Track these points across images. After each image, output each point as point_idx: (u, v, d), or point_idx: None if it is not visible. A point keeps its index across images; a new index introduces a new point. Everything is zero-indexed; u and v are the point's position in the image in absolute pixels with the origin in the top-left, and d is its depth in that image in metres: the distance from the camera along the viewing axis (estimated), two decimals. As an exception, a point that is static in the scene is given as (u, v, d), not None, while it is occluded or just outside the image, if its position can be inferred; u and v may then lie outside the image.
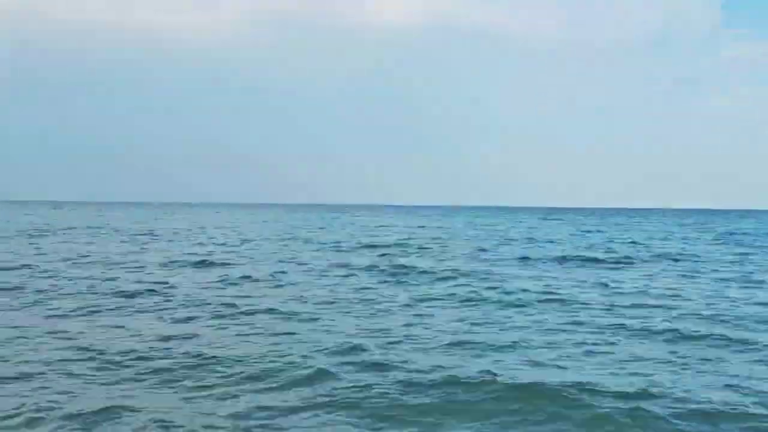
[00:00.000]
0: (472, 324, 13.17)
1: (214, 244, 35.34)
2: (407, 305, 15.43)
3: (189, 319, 13.46)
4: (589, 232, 57.97)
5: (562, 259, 28.05)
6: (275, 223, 70.37)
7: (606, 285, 19.73)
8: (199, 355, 10.15)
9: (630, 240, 43.84)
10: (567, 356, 10.60)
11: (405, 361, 9.97)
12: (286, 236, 43.42)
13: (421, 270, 22.57)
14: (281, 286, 18.49)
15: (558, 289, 18.56)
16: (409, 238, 41.86)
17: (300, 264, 24.57)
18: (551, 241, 41.97)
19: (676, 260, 28.95)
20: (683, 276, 22.88)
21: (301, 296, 16.53)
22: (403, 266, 23.43)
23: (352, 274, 21.70)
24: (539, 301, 16.07)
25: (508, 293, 17.51)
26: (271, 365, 9.62)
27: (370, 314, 14.15)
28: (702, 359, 10.57)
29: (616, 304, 15.99)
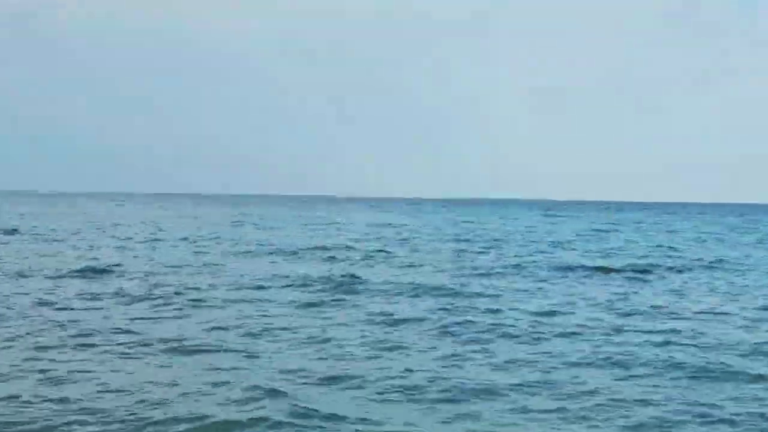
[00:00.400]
0: (441, 359, 12.86)
1: (112, 246, 34.62)
2: (355, 333, 15.04)
3: (62, 349, 12.81)
4: (602, 231, 58.25)
5: (567, 269, 28.00)
6: (206, 218, 69.83)
7: (622, 303, 19.65)
8: (64, 401, 9.70)
9: (656, 244, 44.01)
10: (563, 404, 10.29)
11: (344, 411, 9.58)
12: (212, 236, 42.95)
13: (379, 283, 22.26)
14: (189, 305, 18.02)
15: (559, 309, 18.40)
16: (370, 240, 41.59)
17: (216, 275, 24.17)
18: (554, 244, 41.96)
19: (712, 269, 29.01)
20: (720, 291, 22.87)
21: (213, 320, 16.06)
22: (356, 277, 23.11)
23: (288, 287, 21.35)
24: (533, 328, 15.82)
25: (492, 313, 17.30)
26: (161, 418, 9.17)
27: (304, 346, 13.73)
28: (744, 407, 10.29)
29: (632, 329, 15.85)
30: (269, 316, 16.60)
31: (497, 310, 17.78)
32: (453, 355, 13.09)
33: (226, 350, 13.03)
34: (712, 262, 31.71)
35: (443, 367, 12.23)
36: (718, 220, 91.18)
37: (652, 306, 19.14)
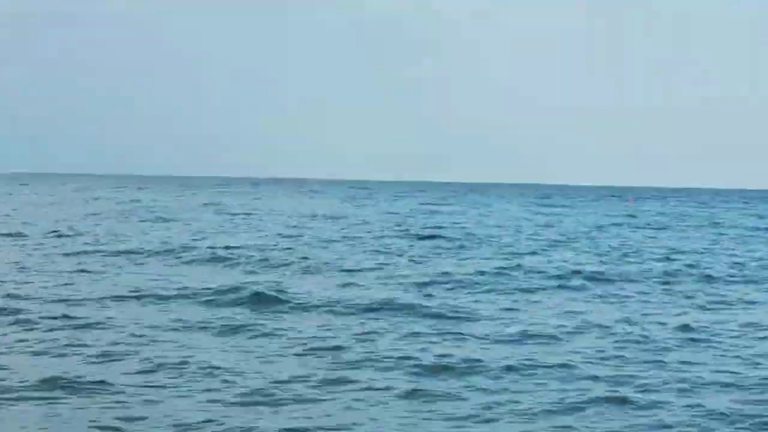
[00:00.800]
0: (392, 403, 12.75)
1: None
2: (281, 366, 14.87)
3: None
4: (613, 225, 58.46)
5: (563, 276, 27.98)
6: (92, 206, 69.23)
7: (635, 326, 19.47)
8: None
9: (684, 242, 44.28)
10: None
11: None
12: (88, 230, 42.54)
13: (309, 297, 21.97)
14: (57, 326, 17.76)
15: (549, 332, 18.29)
16: (299, 236, 41.49)
17: (92, 285, 23.83)
18: (550, 242, 42.11)
19: (757, 281, 28.93)
20: None
21: (92, 347, 15.84)
22: (279, 290, 22.72)
23: (189, 301, 21.21)
24: (511, 360, 15.63)
25: (458, 341, 17.21)
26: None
27: (217, 386, 13.52)
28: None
29: (647, 361, 15.77)
30: (164, 344, 16.45)
31: (465, 337, 17.73)
32: (407, 394, 13.11)
33: (109, 392, 12.86)
34: (757, 268, 31.86)
35: (396, 416, 12.16)
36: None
37: (674, 330, 19.05)
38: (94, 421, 11.45)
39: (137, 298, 21.67)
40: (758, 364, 15.87)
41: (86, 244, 35.33)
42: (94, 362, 14.78)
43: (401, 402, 12.76)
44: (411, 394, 13.15)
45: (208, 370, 14.40)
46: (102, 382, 13.25)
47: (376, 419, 11.83)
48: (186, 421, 11.48)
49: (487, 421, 12.01)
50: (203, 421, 11.46)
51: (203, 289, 23.13)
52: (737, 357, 16.44)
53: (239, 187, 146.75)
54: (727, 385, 14.15)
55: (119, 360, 14.99)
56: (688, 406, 12.76)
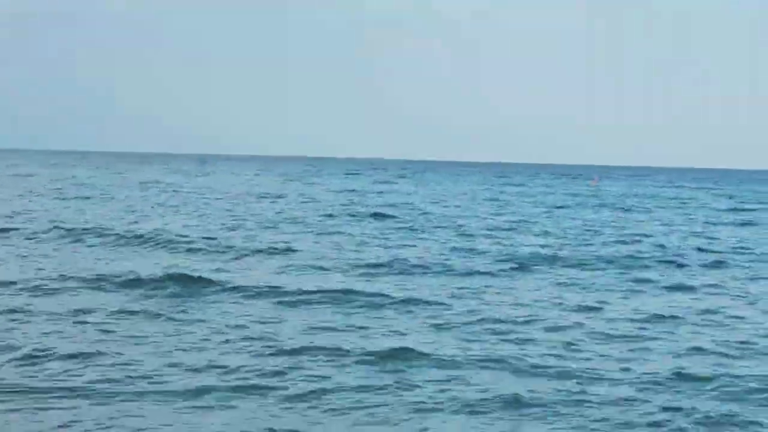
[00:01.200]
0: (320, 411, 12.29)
1: None
2: (208, 354, 14.59)
3: None
4: (578, 205, 58.69)
5: (523, 258, 28.05)
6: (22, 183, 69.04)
7: (592, 314, 19.41)
8: None
9: (648, 224, 44.26)
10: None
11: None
12: (8, 208, 42.26)
13: (239, 286, 21.49)
14: None
15: (505, 320, 18.16)
16: (234, 216, 41.66)
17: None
18: (511, 224, 42.13)
19: (719, 266, 28.93)
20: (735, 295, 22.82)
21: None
22: (204, 277, 22.25)
23: (105, 289, 20.74)
24: (452, 353, 15.40)
25: (405, 329, 17.04)
26: None
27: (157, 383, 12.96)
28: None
29: (592, 357, 15.55)
30: (83, 333, 16.11)
31: (412, 324, 17.70)
32: (351, 386, 13.11)
33: (29, 391, 12.50)
34: (723, 252, 31.99)
35: (339, 408, 12.14)
36: (736, 192, 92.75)
37: (634, 318, 18.95)
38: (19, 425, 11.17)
39: (57, 281, 21.37)
40: (723, 353, 15.81)
41: (8, 223, 35.04)
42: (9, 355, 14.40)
43: (344, 393, 12.70)
44: (354, 385, 13.09)
45: (131, 362, 14.11)
46: (20, 385, 12.79)
47: (318, 414, 11.78)
48: (118, 422, 11.27)
49: (435, 413, 12.01)
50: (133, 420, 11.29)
51: (129, 272, 22.74)
52: (698, 346, 16.29)
53: (188, 164, 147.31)
54: (689, 377, 14.07)
55: (34, 351, 14.59)
56: (647, 401, 12.69)
